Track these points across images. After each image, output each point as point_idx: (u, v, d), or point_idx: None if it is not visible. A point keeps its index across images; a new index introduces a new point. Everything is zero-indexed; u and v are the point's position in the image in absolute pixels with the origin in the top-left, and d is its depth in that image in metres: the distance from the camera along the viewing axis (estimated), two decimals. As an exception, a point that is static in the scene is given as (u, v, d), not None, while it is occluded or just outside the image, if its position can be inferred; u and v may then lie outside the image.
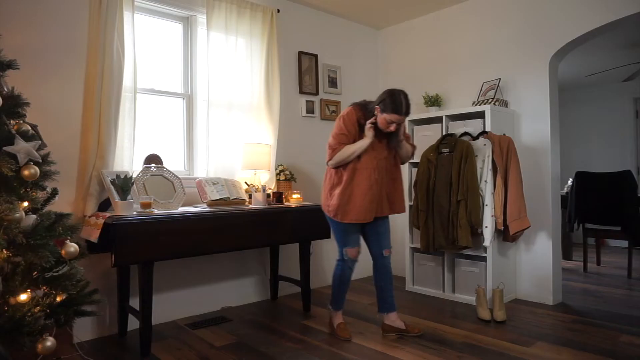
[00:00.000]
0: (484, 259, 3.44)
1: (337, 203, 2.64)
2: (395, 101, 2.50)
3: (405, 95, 2.55)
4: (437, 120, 3.82)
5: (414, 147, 2.84)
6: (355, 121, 2.62)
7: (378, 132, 2.60)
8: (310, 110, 4.09)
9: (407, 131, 2.94)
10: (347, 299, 3.67)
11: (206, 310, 3.35)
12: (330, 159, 2.64)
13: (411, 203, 3.92)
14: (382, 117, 2.54)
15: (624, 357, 2.44)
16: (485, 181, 3.34)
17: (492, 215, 3.29)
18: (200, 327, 3.01)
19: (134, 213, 2.56)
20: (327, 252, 4.14)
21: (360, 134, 2.61)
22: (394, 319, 2.81)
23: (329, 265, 4.19)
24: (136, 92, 2.93)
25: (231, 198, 3.03)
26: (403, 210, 2.81)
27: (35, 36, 2.64)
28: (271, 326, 3.03)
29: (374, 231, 2.78)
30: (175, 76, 3.42)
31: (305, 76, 4.05)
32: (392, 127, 2.55)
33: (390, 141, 2.68)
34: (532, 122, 3.60)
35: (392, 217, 4.64)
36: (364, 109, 2.64)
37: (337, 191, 2.65)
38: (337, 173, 2.68)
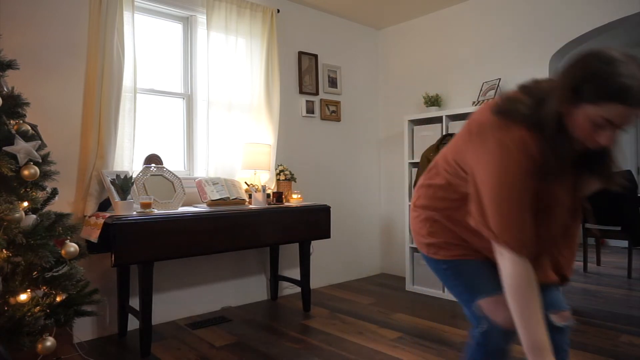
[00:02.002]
0: (484, 259, 3.43)
1: (440, 246, 1.37)
2: (620, 74, 1.03)
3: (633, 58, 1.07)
4: (437, 120, 3.82)
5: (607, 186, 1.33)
6: (532, 157, 1.13)
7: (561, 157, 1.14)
8: (310, 110, 4.09)
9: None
10: (347, 299, 3.67)
11: (206, 310, 3.35)
12: (508, 244, 1.16)
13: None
14: (583, 114, 1.08)
15: (624, 357, 2.44)
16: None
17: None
18: (200, 327, 3.01)
19: (134, 213, 2.56)
20: (327, 252, 4.15)
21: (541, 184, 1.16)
22: None
23: (329, 265, 4.20)
24: (136, 92, 2.93)
25: (231, 198, 3.03)
26: (569, 276, 1.39)
27: (35, 36, 2.64)
28: (271, 326, 3.03)
29: None
30: (175, 76, 3.42)
31: (305, 76, 4.05)
32: (603, 138, 1.11)
33: (590, 171, 1.28)
34: (532, 122, 3.59)
35: (392, 217, 4.68)
36: (537, 125, 1.13)
37: (451, 218, 1.36)
38: (456, 192, 1.32)
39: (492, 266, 1.26)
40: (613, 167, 1.24)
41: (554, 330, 1.28)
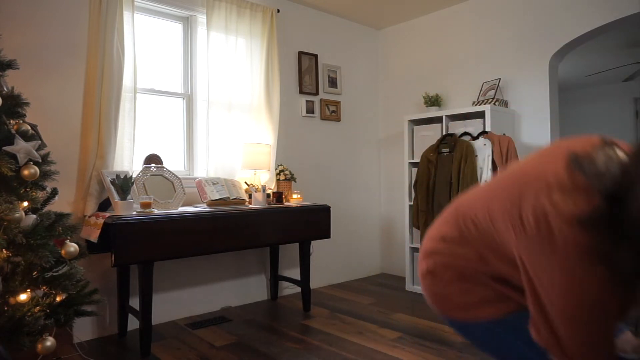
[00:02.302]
0: (484, 259, 3.43)
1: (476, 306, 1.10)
2: None
3: None
4: (437, 120, 3.82)
5: None
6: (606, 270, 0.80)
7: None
8: (310, 110, 4.09)
9: None
10: (347, 299, 3.68)
11: (206, 310, 3.35)
12: None
13: (411, 203, 3.92)
14: None
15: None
16: (486, 181, 3.34)
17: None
18: (200, 327, 3.01)
19: (134, 213, 2.56)
20: (327, 252, 4.14)
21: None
22: None
23: (329, 265, 4.20)
24: (136, 92, 2.93)
25: (231, 198, 3.03)
26: None
27: (35, 36, 2.64)
28: (271, 326, 3.03)
29: None
30: (175, 76, 3.42)
31: (305, 76, 4.05)
32: None
33: None
34: (532, 122, 3.59)
35: (392, 217, 4.68)
36: (600, 212, 0.78)
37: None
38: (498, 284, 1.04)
39: None
40: None
41: None
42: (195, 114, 3.44)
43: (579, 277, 0.82)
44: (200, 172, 3.43)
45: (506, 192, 0.93)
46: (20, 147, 1.91)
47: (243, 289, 3.58)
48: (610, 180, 0.80)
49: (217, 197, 2.96)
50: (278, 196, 3.36)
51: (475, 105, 3.65)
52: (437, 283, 1.13)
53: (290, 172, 3.63)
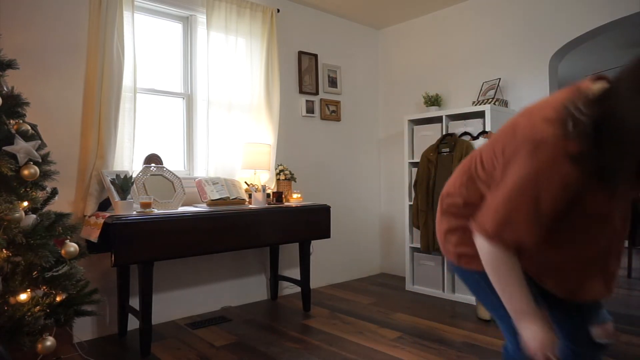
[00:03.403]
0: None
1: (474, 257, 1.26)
2: None
3: None
4: (437, 120, 3.82)
5: None
6: (569, 167, 1.00)
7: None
8: (310, 110, 4.09)
9: None
10: (347, 299, 3.68)
11: (206, 310, 3.35)
12: (482, 231, 1.12)
13: (411, 203, 3.92)
14: None
15: (624, 357, 2.44)
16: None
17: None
18: (200, 327, 3.01)
19: (134, 213, 2.56)
20: (327, 252, 4.14)
21: (579, 189, 1.04)
22: None
23: (329, 265, 4.20)
24: (136, 92, 2.93)
25: (231, 198, 3.03)
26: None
27: (35, 36, 2.64)
28: (271, 326, 3.03)
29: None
30: (175, 76, 3.42)
31: (305, 76, 4.05)
32: None
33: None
34: (532, 122, 3.59)
35: (392, 217, 4.68)
36: (580, 134, 0.98)
37: None
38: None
39: (527, 280, 1.14)
40: None
41: (595, 347, 1.24)
42: (195, 113, 3.44)
43: (541, 172, 0.99)
44: (200, 172, 3.43)
45: (504, 132, 1.13)
46: (20, 147, 1.91)
47: (243, 289, 3.58)
48: (593, 101, 0.98)
49: (217, 197, 2.96)
50: (278, 196, 3.36)
51: (475, 105, 3.65)
52: (442, 227, 1.33)
53: (290, 172, 3.63)
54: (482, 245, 1.12)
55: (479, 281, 1.24)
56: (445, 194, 1.35)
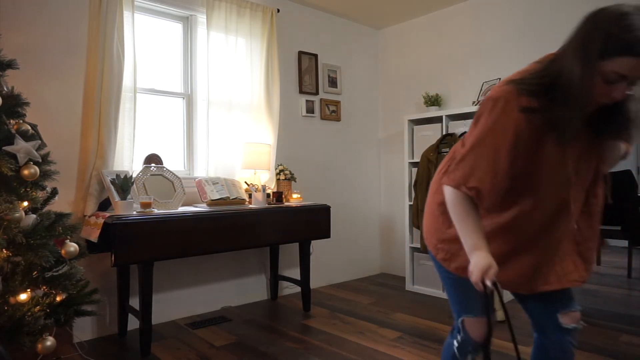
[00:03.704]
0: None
1: (456, 242, 1.35)
2: (629, 28, 1.03)
3: None
4: (437, 120, 3.82)
5: (629, 143, 1.30)
6: (520, 118, 1.16)
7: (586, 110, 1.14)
8: (310, 110, 4.09)
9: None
10: (347, 299, 3.68)
11: (206, 310, 3.35)
12: (449, 181, 1.27)
13: (411, 203, 3.92)
14: (596, 71, 1.08)
15: (624, 357, 2.44)
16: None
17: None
18: (200, 327, 3.01)
19: (134, 213, 2.56)
20: (327, 252, 4.15)
21: (526, 141, 1.18)
22: None
23: (329, 265, 4.20)
24: (136, 92, 2.93)
25: (231, 198, 3.03)
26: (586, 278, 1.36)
27: (35, 36, 2.64)
28: (271, 326, 3.03)
29: None
30: (175, 76, 3.42)
31: (305, 76, 4.05)
32: (617, 93, 1.10)
33: (604, 133, 1.22)
34: (532, 122, 3.59)
35: (392, 217, 4.68)
36: (536, 86, 1.16)
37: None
38: None
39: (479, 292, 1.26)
40: (624, 121, 1.15)
41: (558, 331, 1.33)
42: (195, 113, 3.44)
43: (497, 123, 1.16)
44: (200, 172, 3.43)
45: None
46: (20, 147, 1.91)
47: (243, 289, 3.58)
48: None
49: (217, 197, 2.96)
50: (278, 196, 3.36)
51: (475, 105, 3.65)
52: (430, 215, 1.47)
53: (290, 172, 3.63)
54: (448, 192, 1.27)
55: (446, 279, 1.45)
56: (433, 181, 1.50)
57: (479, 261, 1.20)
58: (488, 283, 1.18)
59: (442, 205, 1.37)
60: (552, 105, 1.13)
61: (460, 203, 1.24)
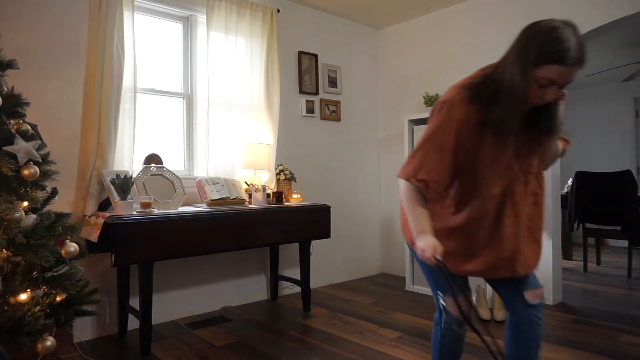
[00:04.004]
0: (484, 258, 3.43)
1: None
2: (555, 38, 1.22)
3: (575, 30, 1.26)
4: (437, 120, 3.81)
5: (567, 142, 1.57)
6: (462, 119, 1.36)
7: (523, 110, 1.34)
8: (310, 110, 4.09)
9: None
10: (347, 299, 3.68)
11: (206, 310, 3.35)
12: (402, 174, 1.47)
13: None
14: (531, 76, 1.27)
15: (624, 357, 2.44)
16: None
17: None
18: (200, 327, 3.01)
19: (134, 213, 2.56)
20: (327, 252, 4.15)
21: (470, 139, 1.38)
22: None
23: (329, 265, 4.20)
24: (136, 92, 2.93)
25: (231, 198, 3.03)
26: (537, 263, 1.54)
27: (35, 36, 2.64)
28: (271, 326, 3.03)
29: None
30: (175, 76, 3.42)
31: (305, 76, 4.05)
32: (548, 96, 1.28)
33: (539, 129, 1.41)
34: (532, 122, 3.59)
35: (392, 217, 4.67)
36: (480, 89, 1.36)
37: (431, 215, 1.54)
38: None
39: (456, 274, 1.53)
40: (556, 119, 1.38)
41: (525, 308, 1.53)
42: (195, 113, 3.44)
43: (442, 124, 1.36)
44: (200, 172, 3.43)
45: None
46: (20, 147, 1.91)
47: (243, 289, 3.58)
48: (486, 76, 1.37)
49: (217, 197, 2.96)
50: (278, 196, 3.36)
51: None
52: (402, 215, 1.65)
53: (290, 172, 3.63)
54: (401, 183, 1.47)
55: (424, 266, 1.60)
56: None
57: (427, 241, 1.41)
58: (439, 258, 1.39)
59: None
60: (494, 106, 1.32)
61: (410, 193, 1.45)
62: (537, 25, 1.27)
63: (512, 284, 1.54)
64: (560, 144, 1.52)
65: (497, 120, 1.32)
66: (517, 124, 1.32)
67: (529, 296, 1.52)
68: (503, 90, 1.30)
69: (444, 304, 1.61)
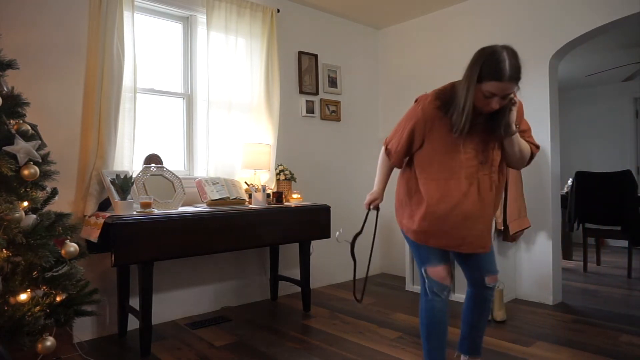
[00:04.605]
0: (484, 258, 3.44)
1: (408, 221, 1.96)
2: (494, 60, 1.59)
3: (512, 53, 1.62)
4: (437, 120, 3.82)
5: (536, 146, 1.94)
6: (427, 114, 1.82)
7: (473, 115, 1.72)
8: (310, 110, 4.09)
9: (524, 122, 1.92)
10: (347, 299, 3.68)
11: (206, 310, 3.35)
12: (384, 141, 2.02)
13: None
14: (477, 89, 1.65)
15: (624, 357, 2.44)
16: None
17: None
18: (200, 327, 3.01)
19: (134, 213, 2.56)
20: (327, 252, 4.14)
21: (438, 134, 1.81)
22: None
23: (329, 265, 4.20)
24: (136, 92, 2.93)
25: (231, 198, 3.03)
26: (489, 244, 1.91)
27: (35, 36, 2.64)
28: (271, 326, 3.03)
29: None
30: (175, 76, 3.42)
31: (305, 76, 4.05)
32: (494, 105, 1.65)
33: (493, 131, 1.78)
34: (532, 122, 3.57)
35: (391, 217, 4.66)
36: (448, 97, 1.78)
37: (407, 199, 1.97)
38: (413, 177, 1.95)
39: (435, 249, 1.92)
40: (506, 119, 1.74)
41: (483, 287, 1.98)
42: (195, 114, 3.44)
43: (409, 115, 1.90)
44: (200, 172, 3.43)
45: None
46: (20, 147, 1.91)
47: (243, 289, 3.58)
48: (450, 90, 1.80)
49: (217, 197, 2.96)
50: (278, 196, 3.36)
51: (475, 105, 3.65)
52: (399, 206, 2.05)
53: (290, 172, 3.63)
54: (381, 150, 2.04)
55: (412, 244, 1.99)
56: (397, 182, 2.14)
57: (373, 193, 2.06)
58: (371, 206, 2.07)
59: (407, 194, 1.96)
60: (453, 110, 1.74)
61: (382, 160, 2.05)
62: (482, 50, 1.66)
63: (475, 265, 1.97)
64: (526, 146, 1.88)
65: (453, 120, 1.74)
66: (466, 126, 1.70)
67: (489, 280, 1.96)
68: (457, 100, 1.72)
69: (427, 273, 1.94)
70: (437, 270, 1.91)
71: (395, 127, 1.96)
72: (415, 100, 1.93)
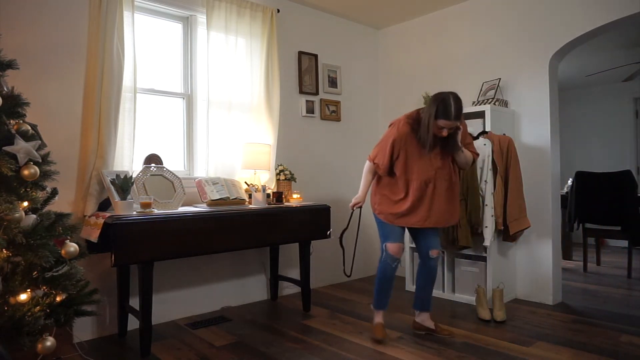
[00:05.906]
0: (484, 258, 3.44)
1: (383, 206, 2.73)
2: (444, 105, 2.41)
3: (456, 99, 2.44)
4: (437, 120, 3.82)
5: (476, 154, 2.75)
6: (401, 133, 2.59)
7: (433, 138, 2.52)
8: (310, 110, 4.09)
9: (467, 137, 2.73)
10: (347, 299, 3.68)
11: (206, 310, 3.35)
12: (369, 157, 2.75)
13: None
14: (434, 123, 2.47)
15: (624, 357, 2.44)
16: (485, 181, 3.34)
17: (492, 215, 3.29)
18: (200, 327, 3.01)
19: (134, 213, 2.55)
20: (327, 252, 4.14)
21: (410, 148, 2.59)
22: (424, 319, 2.84)
23: (329, 265, 4.20)
24: (136, 92, 2.93)
25: (231, 198, 3.03)
26: (455, 221, 2.76)
27: (35, 36, 2.64)
28: (271, 326, 3.03)
29: (421, 230, 2.74)
30: (175, 76, 3.42)
31: (305, 76, 4.05)
32: (444, 133, 2.48)
33: (446, 148, 2.60)
34: (532, 122, 3.59)
35: (392, 217, 4.64)
36: (415, 121, 2.60)
37: (385, 192, 2.72)
38: (393, 178, 2.70)
39: (396, 229, 2.70)
40: (454, 146, 2.59)
41: (429, 259, 2.76)
42: (195, 114, 3.44)
43: (389, 134, 2.66)
44: (200, 172, 3.43)
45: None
46: (20, 147, 1.91)
47: (243, 289, 3.58)
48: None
49: (217, 197, 2.96)
50: (278, 196, 3.36)
51: (475, 105, 3.65)
52: (373, 196, 2.83)
53: (290, 172, 3.63)
54: (366, 163, 2.75)
55: (378, 222, 2.78)
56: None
57: (357, 197, 2.79)
58: (355, 207, 2.81)
59: (387, 187, 2.72)
60: (419, 131, 2.56)
61: (367, 168, 2.76)
62: (436, 96, 2.49)
63: (424, 242, 2.76)
64: (469, 155, 2.69)
65: (420, 139, 2.57)
66: (431, 143, 2.52)
67: (432, 253, 2.74)
68: (422, 126, 2.54)
69: (387, 247, 2.68)
70: (393, 246, 2.67)
71: (377, 146, 2.71)
72: (390, 124, 2.72)
